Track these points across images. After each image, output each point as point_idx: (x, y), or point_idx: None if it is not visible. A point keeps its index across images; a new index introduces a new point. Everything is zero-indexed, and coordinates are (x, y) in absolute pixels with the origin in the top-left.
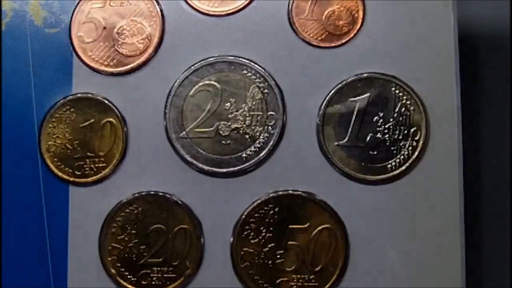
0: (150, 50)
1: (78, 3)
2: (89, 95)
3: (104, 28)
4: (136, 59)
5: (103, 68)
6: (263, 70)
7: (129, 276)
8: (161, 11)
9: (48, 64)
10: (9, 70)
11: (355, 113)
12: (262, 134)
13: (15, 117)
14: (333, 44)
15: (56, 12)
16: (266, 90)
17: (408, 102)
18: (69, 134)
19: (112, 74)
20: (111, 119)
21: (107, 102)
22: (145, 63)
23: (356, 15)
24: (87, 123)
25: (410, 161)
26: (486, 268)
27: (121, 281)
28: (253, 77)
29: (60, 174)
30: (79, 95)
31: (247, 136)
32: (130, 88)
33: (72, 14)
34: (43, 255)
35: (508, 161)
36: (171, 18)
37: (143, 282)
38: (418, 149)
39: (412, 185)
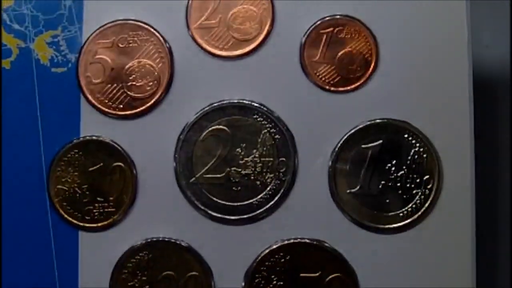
0: (159, 93)
1: (85, 43)
2: (98, 138)
3: (112, 69)
4: (145, 102)
5: (111, 110)
6: (274, 115)
7: None
8: (171, 52)
9: (55, 105)
10: (15, 111)
11: (367, 160)
12: (273, 181)
13: (23, 160)
14: (346, 88)
15: (63, 51)
16: (277, 136)
17: (421, 149)
18: (77, 178)
19: (121, 117)
20: (120, 163)
21: (116, 145)
22: (154, 106)
23: (369, 58)
24: (96, 167)
25: (422, 209)
26: None
27: None
28: (264, 122)
29: (69, 219)
30: (87, 138)
31: (258, 183)
32: (139, 131)
33: (79, 54)
34: None
35: None
36: (181, 59)
37: None
38: (431, 197)
39: (424, 234)
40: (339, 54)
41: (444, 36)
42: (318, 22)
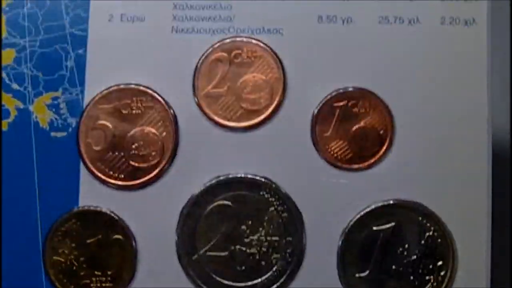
0: (162, 164)
1: (86, 107)
2: (97, 208)
3: (114, 136)
4: (148, 172)
5: (112, 180)
6: (282, 192)
7: None
8: (176, 121)
9: (54, 172)
10: (11, 176)
11: (378, 243)
12: (279, 262)
13: (18, 229)
14: (359, 166)
15: (63, 114)
16: (284, 214)
17: (435, 233)
18: (75, 249)
19: (122, 187)
20: (119, 236)
21: (115, 217)
22: (157, 177)
23: (383, 134)
24: (94, 239)
25: None
26: None
27: None
28: (272, 199)
29: None
30: (86, 208)
31: (263, 263)
32: (140, 203)
33: (80, 118)
34: None
35: None
36: (186, 128)
37: None
38: (444, 285)
39: None
40: (353, 129)
41: (463, 113)
42: (331, 95)
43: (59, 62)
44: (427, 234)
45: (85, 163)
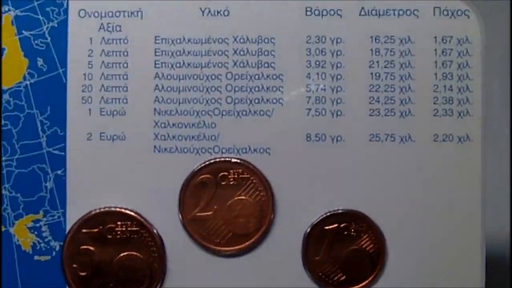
0: None
1: (70, 231)
2: None
3: (99, 261)
4: None
5: None
6: None
7: None
8: (163, 246)
9: None
10: None
11: None
12: None
13: None
14: None
15: (46, 237)
16: None
17: None
18: None
19: None
20: None
21: None
22: None
23: (375, 258)
24: None
25: None
26: None
27: None
28: None
29: None
30: None
31: None
32: None
33: (64, 243)
34: None
35: None
36: (174, 254)
37: None
38: None
39: None
40: (344, 252)
41: (457, 237)
42: (322, 217)
43: (38, 183)
44: None
45: None
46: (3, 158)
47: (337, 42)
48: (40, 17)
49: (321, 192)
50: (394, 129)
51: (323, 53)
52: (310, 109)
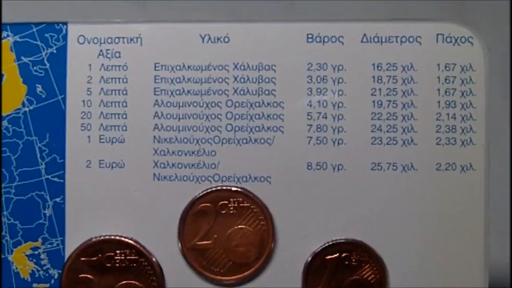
0: None
1: (68, 259)
2: None
3: None
4: None
5: None
6: None
7: None
8: (162, 275)
9: None
10: None
11: None
12: None
13: None
14: None
15: (44, 265)
16: None
17: None
18: None
19: None
20: None
21: None
22: None
23: (376, 286)
24: None
25: None
26: None
27: None
28: None
29: None
30: None
31: None
32: None
33: (63, 271)
34: None
35: None
36: (174, 283)
37: None
38: None
39: None
40: (345, 282)
41: (460, 267)
42: (323, 247)
43: (37, 211)
44: None
45: None
46: (2, 185)
47: (338, 69)
48: (39, 43)
49: (322, 221)
50: (396, 158)
51: (325, 81)
52: (311, 137)
